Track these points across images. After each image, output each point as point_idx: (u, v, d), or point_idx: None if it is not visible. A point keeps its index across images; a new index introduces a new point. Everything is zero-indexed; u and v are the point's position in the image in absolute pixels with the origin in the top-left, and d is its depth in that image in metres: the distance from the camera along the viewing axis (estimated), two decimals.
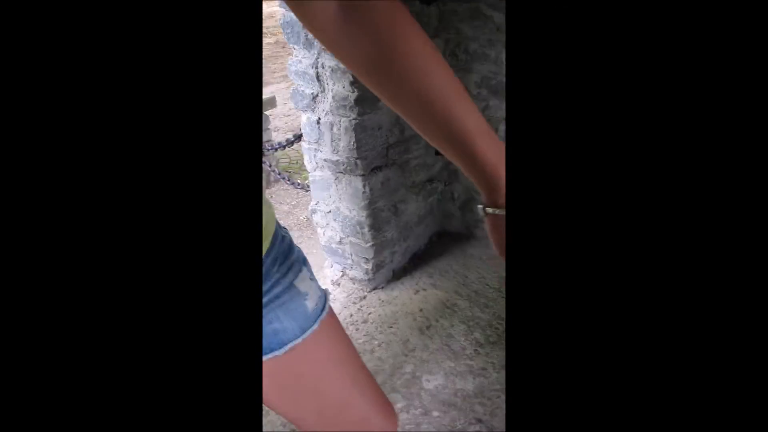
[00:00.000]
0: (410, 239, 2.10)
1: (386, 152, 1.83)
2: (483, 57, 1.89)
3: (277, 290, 0.63)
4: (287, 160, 3.93)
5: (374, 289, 2.00)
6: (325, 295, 0.71)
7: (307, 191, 2.72)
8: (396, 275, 2.06)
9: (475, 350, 1.63)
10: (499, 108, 1.95)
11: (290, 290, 0.65)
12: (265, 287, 0.62)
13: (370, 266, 1.94)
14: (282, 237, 0.67)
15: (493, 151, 0.49)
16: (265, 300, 0.62)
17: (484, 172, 0.51)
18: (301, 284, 0.67)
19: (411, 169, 1.97)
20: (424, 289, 1.98)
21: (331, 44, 0.48)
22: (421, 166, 2.02)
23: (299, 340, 0.65)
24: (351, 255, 1.97)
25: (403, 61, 0.47)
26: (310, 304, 0.67)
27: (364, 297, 1.97)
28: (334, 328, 0.71)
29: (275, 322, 0.63)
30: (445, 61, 0.50)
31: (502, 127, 1.94)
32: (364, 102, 1.65)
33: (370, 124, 1.72)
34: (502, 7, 1.77)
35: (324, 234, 2.03)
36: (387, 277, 2.04)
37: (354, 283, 2.02)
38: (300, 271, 0.67)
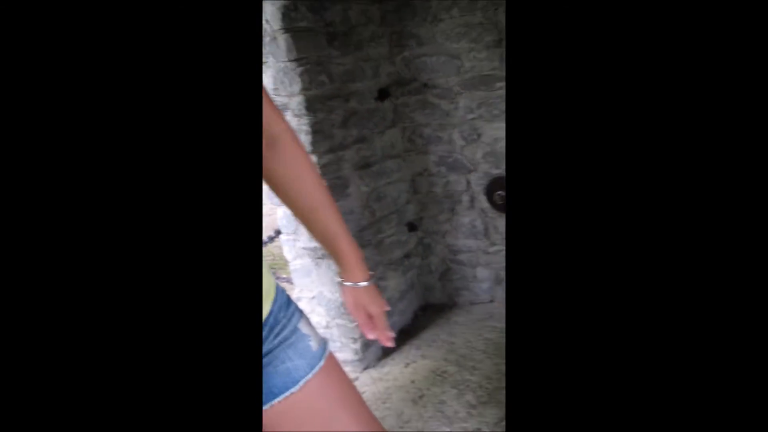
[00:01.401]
0: (395, 315, 2.18)
1: (360, 234, 1.97)
2: (437, 140, 2.10)
3: (285, 333, 0.73)
4: (271, 256, 4.04)
5: (366, 368, 2.04)
6: (324, 338, 0.81)
7: (292, 284, 2.81)
8: (386, 352, 2.10)
9: (468, 412, 1.66)
10: (458, 182, 2.13)
11: (296, 332, 0.75)
12: (276, 331, 0.73)
13: (358, 346, 1.99)
14: (282, 290, 0.79)
15: (348, 246, 0.79)
16: (276, 342, 0.72)
17: (341, 260, 0.80)
18: (304, 327, 0.77)
19: (386, 247, 2.10)
20: (414, 361, 2.02)
21: None
22: (395, 244, 2.15)
23: (310, 375, 0.73)
24: (339, 338, 2.03)
25: (293, 181, 0.76)
26: (314, 344, 0.77)
27: (357, 378, 2.01)
28: (337, 367, 0.80)
29: (287, 361, 0.72)
30: (321, 182, 0.78)
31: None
32: (333, 191, 1.81)
33: (342, 210, 1.86)
34: (447, 96, 2.01)
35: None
36: (377, 355, 2.08)
37: (345, 365, 2.06)
38: (301, 316, 0.78)
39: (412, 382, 1.89)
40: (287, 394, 0.72)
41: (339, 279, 0.83)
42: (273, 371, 0.72)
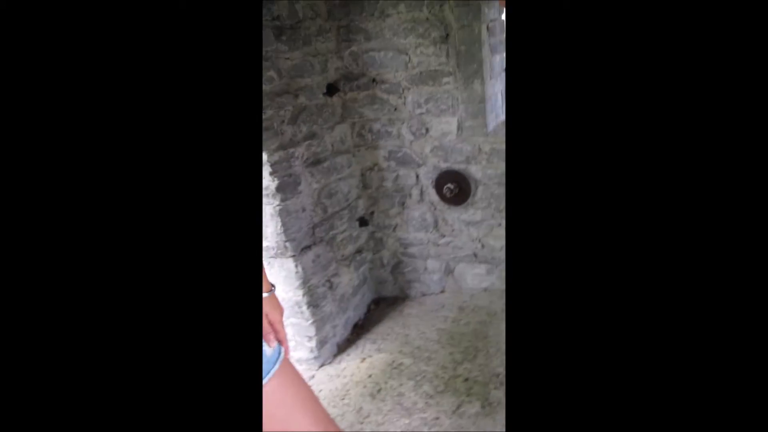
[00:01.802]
0: (349, 310, 2.18)
1: (312, 231, 1.95)
2: (386, 134, 2.12)
3: None
4: None
5: (322, 365, 2.04)
6: (279, 345, 0.82)
7: None
8: (341, 348, 2.11)
9: (426, 402, 1.70)
10: (408, 176, 2.16)
11: None
12: None
13: (314, 344, 1.98)
14: None
15: None
16: None
17: None
18: None
19: (338, 243, 2.10)
20: (370, 356, 2.04)
21: None
22: (347, 240, 2.15)
23: (264, 380, 0.74)
24: (294, 336, 2.01)
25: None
26: (268, 349, 0.78)
27: (313, 376, 2.00)
28: (292, 370, 0.81)
29: None
30: None
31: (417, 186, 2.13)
32: (284, 188, 1.78)
33: (293, 207, 1.84)
34: (395, 91, 2.03)
35: None
36: (332, 351, 2.08)
37: (301, 364, 2.04)
38: None
39: (370, 376, 1.91)
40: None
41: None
42: None
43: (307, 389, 0.82)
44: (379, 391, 1.82)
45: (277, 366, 0.77)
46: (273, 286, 0.88)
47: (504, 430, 1.53)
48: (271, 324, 0.84)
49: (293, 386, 0.79)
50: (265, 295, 0.85)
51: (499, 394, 1.67)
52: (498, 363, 1.82)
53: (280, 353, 0.80)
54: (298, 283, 1.89)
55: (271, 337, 0.84)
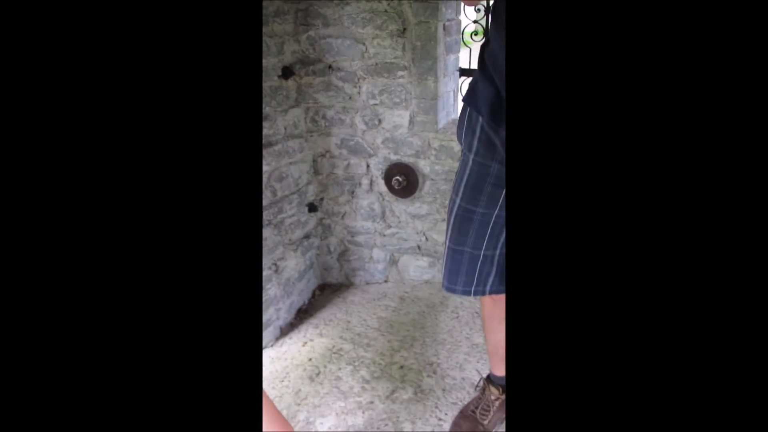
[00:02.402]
0: (293, 295, 2.20)
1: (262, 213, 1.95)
2: (339, 122, 2.13)
3: None
4: None
5: (264, 348, 2.05)
6: None
7: None
8: (283, 331, 2.13)
9: (362, 387, 1.75)
10: (359, 166, 2.19)
11: None
12: None
13: None
14: None
15: None
16: None
17: None
18: None
19: (286, 227, 2.10)
20: (311, 340, 2.07)
21: None
22: (295, 224, 2.16)
23: None
24: None
25: None
26: None
27: None
28: None
29: None
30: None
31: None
32: None
33: None
34: (351, 80, 2.04)
35: None
36: (275, 334, 2.09)
37: None
38: None
39: (310, 360, 1.94)
40: None
41: None
42: None
43: None
44: (318, 374, 1.86)
45: None
46: None
47: (434, 416, 1.60)
48: None
49: None
50: None
51: (432, 382, 1.74)
52: (432, 353, 1.89)
53: None
54: None
55: None
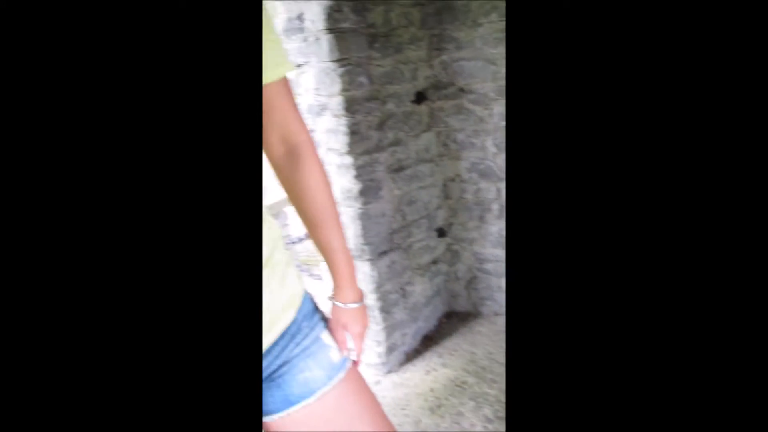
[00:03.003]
0: (419, 320, 2.16)
1: (391, 237, 1.96)
2: (470, 145, 2.08)
3: (306, 342, 0.73)
4: (306, 252, 4.06)
5: (388, 372, 2.03)
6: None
7: (322, 280, 2.82)
8: (408, 357, 2.09)
9: (484, 426, 1.64)
10: (489, 190, 2.11)
11: (317, 342, 0.74)
12: (297, 340, 0.72)
13: (382, 349, 1.99)
14: (310, 297, 0.78)
15: (345, 266, 0.79)
16: (297, 351, 0.72)
17: (336, 278, 0.79)
18: (326, 338, 0.76)
19: (415, 251, 2.09)
20: (435, 369, 2.00)
21: (274, 167, 0.78)
22: (424, 249, 2.13)
23: (328, 387, 0.73)
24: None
25: (305, 191, 0.76)
26: (335, 355, 0.76)
27: (379, 381, 2.00)
28: (358, 379, 0.78)
29: (306, 371, 0.72)
30: (332, 198, 0.78)
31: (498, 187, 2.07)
32: (367, 192, 1.81)
33: (374, 212, 1.86)
34: (482, 102, 1.99)
35: None
36: (400, 360, 2.07)
37: (369, 368, 2.05)
38: (324, 326, 0.77)
39: (431, 390, 1.88)
40: (303, 404, 0.71)
41: (329, 296, 0.81)
42: (291, 379, 0.71)
43: (372, 400, 0.78)
44: (439, 406, 1.79)
45: (342, 374, 0.74)
46: (363, 295, 0.81)
47: None
48: (351, 335, 0.78)
49: (357, 396, 0.76)
50: (353, 306, 0.78)
51: None
52: None
53: (347, 360, 0.78)
54: (372, 287, 1.90)
55: (345, 350, 0.78)
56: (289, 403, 0.71)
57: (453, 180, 2.17)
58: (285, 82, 0.72)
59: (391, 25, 1.84)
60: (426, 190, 2.10)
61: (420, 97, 2.01)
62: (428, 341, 2.17)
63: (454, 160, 2.13)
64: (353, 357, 0.80)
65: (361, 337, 0.80)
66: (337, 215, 0.78)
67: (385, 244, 1.93)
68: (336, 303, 0.80)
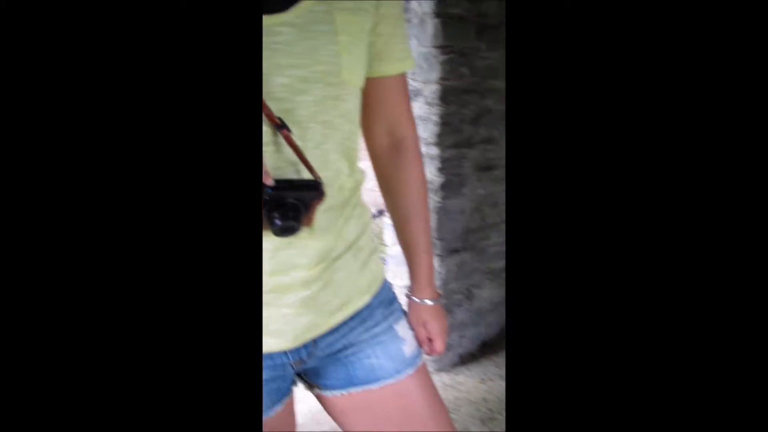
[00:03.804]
0: (481, 326, 2.09)
1: (465, 236, 1.89)
2: None
3: (377, 329, 0.73)
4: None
5: (439, 370, 1.99)
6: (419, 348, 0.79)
7: (385, 264, 2.81)
8: (462, 360, 2.03)
9: None
10: None
11: (389, 332, 0.73)
12: (367, 324, 0.72)
13: None
14: (388, 285, 0.78)
15: (426, 264, 0.79)
16: (366, 336, 0.72)
17: (416, 274, 0.80)
18: (401, 330, 0.75)
19: (489, 255, 2.01)
20: (491, 380, 1.93)
21: (373, 158, 0.79)
22: (499, 254, 2.05)
23: (393, 380, 0.72)
24: None
25: (401, 185, 0.77)
26: (408, 349, 0.74)
27: None
28: (427, 380, 0.76)
29: (372, 357, 0.72)
30: (425, 195, 0.78)
31: None
32: (448, 187, 1.75)
33: (452, 207, 1.80)
34: None
35: None
36: (453, 361, 2.02)
37: None
38: (400, 318, 0.76)
39: (485, 400, 1.81)
40: (365, 388, 0.72)
41: (407, 293, 0.81)
42: (356, 362, 0.72)
43: (437, 404, 0.77)
44: (491, 419, 1.72)
45: (411, 370, 0.73)
46: (440, 293, 0.81)
47: None
48: (429, 334, 0.79)
49: (423, 395, 0.75)
50: (428, 302, 0.79)
51: None
52: None
53: (419, 358, 0.77)
54: (437, 283, 1.86)
55: (425, 346, 0.79)
56: (351, 384, 0.72)
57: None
58: (403, 78, 0.72)
59: (504, 16, 1.75)
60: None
61: None
62: (487, 348, 2.09)
63: None
64: (433, 355, 0.81)
65: (441, 335, 0.80)
66: (427, 214, 0.79)
67: (458, 242, 1.87)
68: (413, 299, 0.80)
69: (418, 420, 0.73)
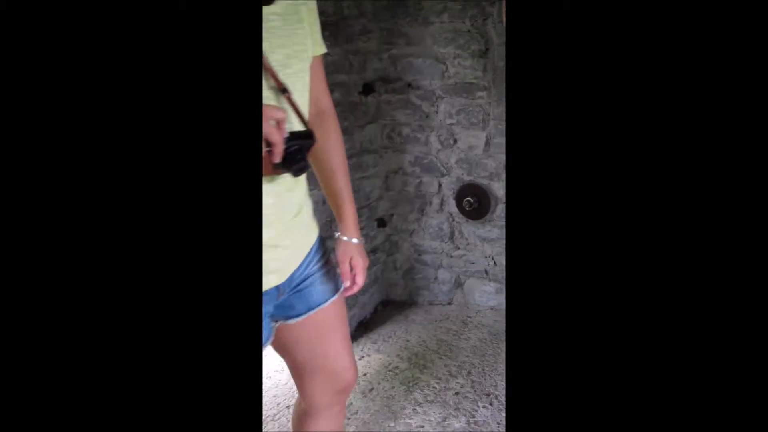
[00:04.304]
0: (356, 308, 2.21)
1: (330, 225, 1.99)
2: (414, 140, 2.13)
3: (319, 264, 0.94)
4: None
5: None
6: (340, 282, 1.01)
7: None
8: None
9: (414, 409, 1.71)
10: (431, 184, 2.17)
11: (327, 264, 0.96)
12: (315, 259, 0.93)
13: None
14: (321, 238, 0.97)
15: (350, 208, 1.00)
16: (315, 268, 0.92)
17: (342, 218, 1.00)
18: (332, 261, 0.99)
19: None
20: (368, 355, 2.06)
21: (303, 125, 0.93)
22: (364, 238, 2.17)
23: (336, 296, 0.97)
24: None
25: (326, 147, 0.96)
26: (337, 278, 0.99)
27: None
28: (342, 305, 1.02)
29: (318, 285, 0.93)
30: (344, 154, 0.98)
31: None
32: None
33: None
34: (429, 98, 2.04)
35: None
36: None
37: None
38: (328, 254, 0.99)
39: (364, 374, 1.93)
40: (318, 309, 0.94)
41: (337, 233, 1.00)
42: (313, 289, 0.92)
43: (346, 319, 1.02)
44: (371, 390, 1.84)
45: (341, 289, 0.97)
46: (360, 239, 1.00)
47: None
48: (353, 268, 0.97)
49: (340, 313, 0.99)
50: (354, 240, 0.98)
51: (487, 413, 1.66)
52: (491, 383, 1.81)
53: (339, 288, 0.98)
54: None
55: (350, 280, 0.98)
56: (309, 308, 0.93)
57: (396, 172, 2.22)
58: (322, 59, 0.91)
59: (343, 14, 1.86)
60: (369, 180, 2.14)
61: (367, 89, 2.04)
62: (363, 328, 2.23)
63: (398, 153, 2.18)
64: (354, 290, 1.00)
65: (363, 270, 0.99)
66: (346, 168, 0.99)
67: (324, 231, 1.95)
68: (343, 238, 0.98)
69: (335, 331, 0.98)
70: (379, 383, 1.87)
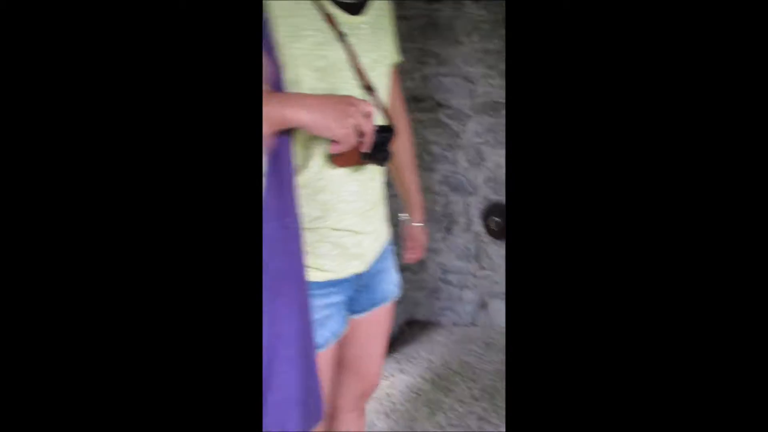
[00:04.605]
0: None
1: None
2: (443, 158, 2.13)
3: (388, 262, 1.00)
4: None
5: None
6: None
7: None
8: None
9: None
10: (458, 203, 2.16)
11: (391, 264, 1.02)
12: (385, 256, 0.98)
13: None
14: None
15: (418, 195, 1.17)
16: (384, 265, 0.97)
17: (411, 204, 1.17)
18: (393, 267, 1.04)
19: None
20: (392, 375, 2.03)
21: None
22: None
23: (395, 294, 1.03)
24: None
25: (396, 143, 0.96)
26: (394, 289, 1.05)
27: None
28: (392, 309, 1.06)
29: (385, 283, 0.99)
30: (412, 149, 1.13)
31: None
32: None
33: None
34: (458, 117, 2.04)
35: None
36: None
37: None
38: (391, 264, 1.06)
39: (388, 395, 1.91)
40: (382, 306, 1.00)
41: (404, 216, 1.16)
42: (378, 287, 0.96)
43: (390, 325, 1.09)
44: (393, 411, 1.82)
45: (394, 297, 1.02)
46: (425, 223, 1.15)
47: None
48: (416, 245, 1.14)
49: (390, 317, 1.05)
50: (420, 224, 1.15)
51: None
52: None
53: (396, 291, 1.04)
54: None
55: (415, 254, 1.15)
56: (373, 304, 0.97)
57: (424, 191, 2.22)
58: (396, 69, 0.99)
59: None
60: (396, 198, 2.14)
61: None
62: (388, 347, 2.20)
63: (427, 172, 2.18)
64: (413, 261, 1.19)
65: (424, 246, 1.18)
66: (414, 164, 1.13)
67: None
68: (412, 223, 1.16)
69: (383, 335, 1.07)
70: (402, 404, 1.84)
